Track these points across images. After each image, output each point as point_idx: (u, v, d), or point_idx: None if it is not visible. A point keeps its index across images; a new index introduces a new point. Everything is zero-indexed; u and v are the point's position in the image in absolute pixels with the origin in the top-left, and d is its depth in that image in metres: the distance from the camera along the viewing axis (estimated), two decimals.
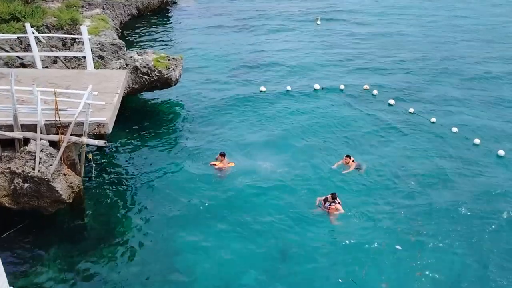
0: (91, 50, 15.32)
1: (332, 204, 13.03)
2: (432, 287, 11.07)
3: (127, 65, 17.23)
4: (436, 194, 14.18)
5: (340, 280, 11.14)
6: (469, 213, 13.44)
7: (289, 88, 20.69)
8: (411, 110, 19.24)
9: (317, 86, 20.80)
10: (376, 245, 12.11)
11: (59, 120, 11.58)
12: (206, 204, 13.45)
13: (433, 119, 18.50)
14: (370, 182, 14.66)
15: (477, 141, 17.00)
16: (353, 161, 15.15)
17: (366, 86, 21.01)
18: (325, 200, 13.17)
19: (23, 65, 16.37)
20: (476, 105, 20.35)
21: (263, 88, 20.61)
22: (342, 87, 20.89)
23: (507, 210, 13.63)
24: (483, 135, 17.54)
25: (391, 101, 19.91)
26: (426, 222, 13.00)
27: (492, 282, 11.26)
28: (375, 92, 20.60)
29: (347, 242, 12.20)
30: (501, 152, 16.32)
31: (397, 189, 14.41)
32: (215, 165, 14.96)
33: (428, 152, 16.45)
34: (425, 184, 14.65)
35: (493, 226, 12.97)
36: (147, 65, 17.33)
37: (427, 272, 11.39)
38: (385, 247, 12.09)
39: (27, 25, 14.72)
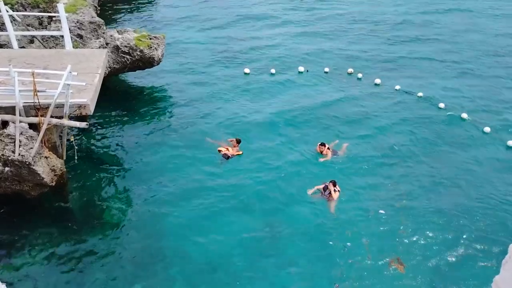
0: (69, 29, 14.83)
1: (331, 192, 13.00)
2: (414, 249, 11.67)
3: (107, 44, 16.75)
4: (421, 168, 14.62)
5: (331, 243, 11.70)
6: (450, 184, 13.98)
7: (273, 71, 20.36)
8: (397, 87, 19.38)
9: (301, 69, 20.57)
10: (362, 216, 12.61)
11: (38, 102, 11.25)
12: (191, 185, 13.38)
13: (420, 94, 18.81)
14: (356, 160, 14.82)
15: (464, 115, 17.26)
16: (328, 148, 14.79)
17: (350, 70, 20.76)
18: (325, 188, 13.11)
19: None
20: (463, 78, 20.50)
21: (247, 70, 20.29)
22: (326, 69, 20.70)
23: (487, 182, 14.14)
24: (470, 111, 17.73)
25: (377, 81, 19.88)
26: (409, 193, 13.55)
27: (467, 248, 11.85)
28: (360, 75, 20.44)
29: (336, 217, 12.60)
30: (487, 129, 16.55)
31: (384, 164, 14.73)
32: (224, 153, 14.42)
33: (414, 127, 16.75)
34: (411, 158, 15.06)
35: (472, 197, 13.54)
36: (128, 44, 16.88)
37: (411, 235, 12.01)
38: (372, 215, 12.65)
39: (0, 3, 14.13)
